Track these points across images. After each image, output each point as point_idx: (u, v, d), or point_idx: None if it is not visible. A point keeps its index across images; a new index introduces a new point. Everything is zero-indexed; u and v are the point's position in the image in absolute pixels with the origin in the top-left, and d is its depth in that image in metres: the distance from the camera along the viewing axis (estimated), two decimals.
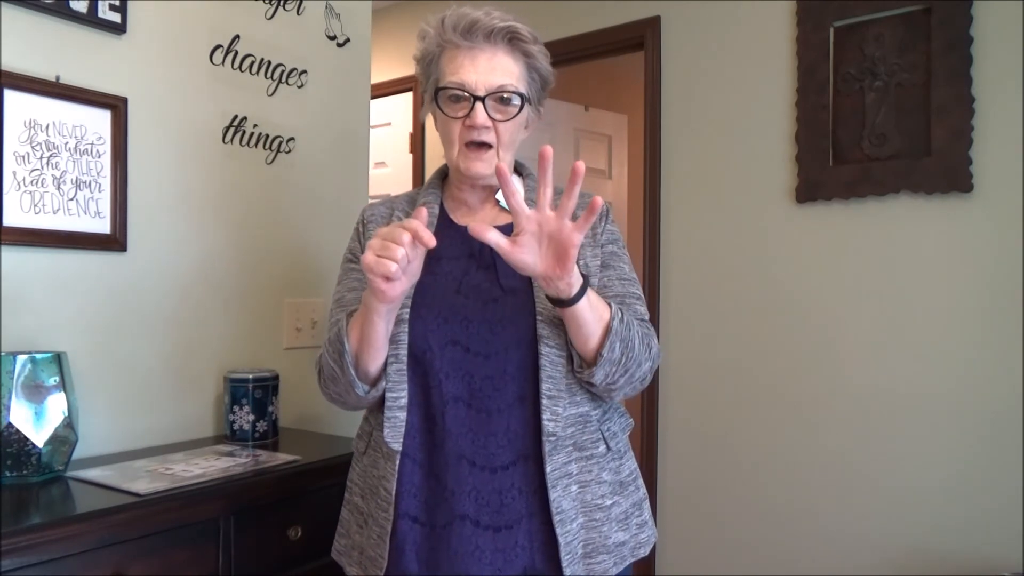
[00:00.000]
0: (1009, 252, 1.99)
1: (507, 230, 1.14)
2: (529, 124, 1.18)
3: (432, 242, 0.91)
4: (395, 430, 1.07)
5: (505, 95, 1.09)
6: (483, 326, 1.07)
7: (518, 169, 1.23)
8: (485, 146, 1.11)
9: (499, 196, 1.18)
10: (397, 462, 1.08)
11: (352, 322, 1.07)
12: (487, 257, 1.13)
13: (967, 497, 2.03)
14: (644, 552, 1.17)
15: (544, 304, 1.07)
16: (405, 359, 1.07)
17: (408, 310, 1.08)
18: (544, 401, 1.05)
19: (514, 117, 1.11)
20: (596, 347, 1.04)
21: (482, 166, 1.11)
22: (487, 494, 1.05)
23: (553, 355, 1.07)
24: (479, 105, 1.08)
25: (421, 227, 0.92)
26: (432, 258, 1.12)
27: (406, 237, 0.92)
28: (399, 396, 1.07)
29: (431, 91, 1.15)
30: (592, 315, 1.02)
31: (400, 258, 0.92)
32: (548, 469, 1.05)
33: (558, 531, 1.05)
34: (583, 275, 1.01)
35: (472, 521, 1.05)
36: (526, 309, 1.08)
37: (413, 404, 1.08)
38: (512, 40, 1.10)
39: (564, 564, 1.04)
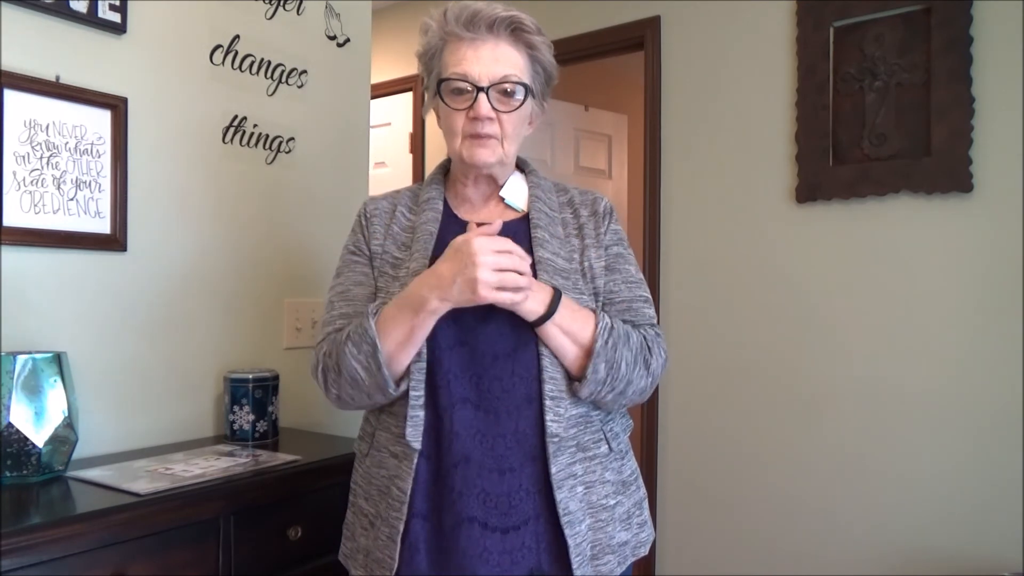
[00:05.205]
0: (1009, 252, 1.99)
1: (511, 227, 1.13)
2: (533, 120, 1.17)
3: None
4: (416, 428, 1.05)
5: (508, 86, 1.08)
6: (491, 326, 1.07)
7: (520, 165, 1.22)
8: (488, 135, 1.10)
9: (503, 193, 1.17)
10: (415, 461, 1.06)
11: (385, 321, 1.04)
12: None
13: (967, 497, 2.03)
14: (644, 551, 1.17)
15: None
16: (425, 356, 1.06)
17: None
18: (547, 402, 1.05)
19: (518, 108, 1.10)
20: (578, 366, 1.06)
21: (486, 153, 1.10)
22: (495, 496, 1.04)
23: (554, 356, 1.07)
24: (482, 96, 1.07)
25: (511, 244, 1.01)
26: (438, 255, 1.12)
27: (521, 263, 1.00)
28: (420, 394, 1.06)
29: (433, 84, 1.13)
30: (564, 339, 1.05)
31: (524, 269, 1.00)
32: (553, 470, 1.05)
33: (567, 533, 1.04)
34: (555, 296, 1.04)
35: (480, 523, 1.04)
36: None
37: (427, 403, 1.07)
38: (515, 31, 1.09)
39: (575, 566, 1.04)
